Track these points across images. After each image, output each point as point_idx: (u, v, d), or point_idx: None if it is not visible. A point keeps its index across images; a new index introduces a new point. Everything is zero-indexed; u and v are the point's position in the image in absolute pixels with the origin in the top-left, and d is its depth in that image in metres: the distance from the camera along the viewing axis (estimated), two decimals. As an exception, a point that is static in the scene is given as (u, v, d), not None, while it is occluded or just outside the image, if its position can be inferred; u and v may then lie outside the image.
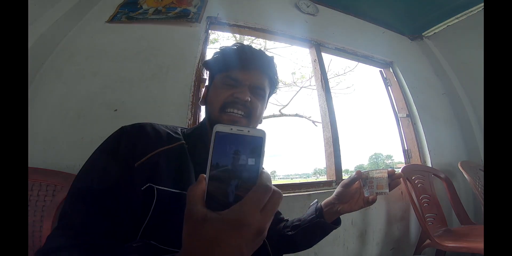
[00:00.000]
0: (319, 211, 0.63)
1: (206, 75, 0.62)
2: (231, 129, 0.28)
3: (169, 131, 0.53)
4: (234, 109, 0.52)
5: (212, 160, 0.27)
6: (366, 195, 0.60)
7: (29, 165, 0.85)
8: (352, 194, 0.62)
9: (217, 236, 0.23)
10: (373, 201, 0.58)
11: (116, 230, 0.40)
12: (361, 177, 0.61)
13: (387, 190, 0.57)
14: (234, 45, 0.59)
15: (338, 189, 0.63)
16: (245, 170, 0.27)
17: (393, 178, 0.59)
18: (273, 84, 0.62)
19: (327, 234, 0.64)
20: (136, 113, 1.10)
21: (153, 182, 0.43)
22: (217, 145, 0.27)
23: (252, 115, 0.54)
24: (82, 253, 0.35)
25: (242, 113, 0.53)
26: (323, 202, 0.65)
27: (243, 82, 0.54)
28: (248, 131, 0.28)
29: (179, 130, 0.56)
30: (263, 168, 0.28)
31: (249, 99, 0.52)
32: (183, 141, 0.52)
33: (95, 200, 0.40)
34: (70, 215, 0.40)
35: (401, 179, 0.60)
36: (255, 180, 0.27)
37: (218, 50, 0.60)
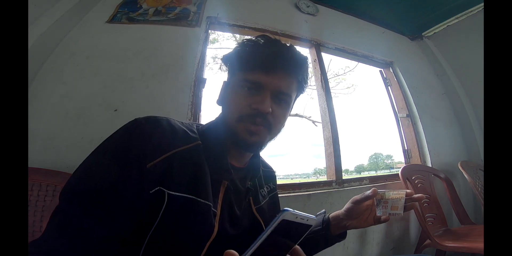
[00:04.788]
0: (327, 224, 0.61)
1: (224, 69, 0.54)
2: (296, 217, 0.29)
3: (185, 129, 0.47)
4: (251, 123, 0.46)
5: (265, 239, 0.28)
6: (378, 214, 0.56)
7: (29, 165, 0.85)
8: (362, 211, 0.58)
9: None
10: (385, 221, 0.54)
11: (115, 236, 0.37)
12: (376, 197, 0.57)
13: (402, 212, 0.53)
14: (261, 37, 0.50)
15: (348, 205, 0.59)
16: (284, 248, 0.32)
17: (412, 200, 0.54)
18: (301, 87, 0.54)
19: (330, 246, 0.63)
20: (136, 113, 1.08)
21: (164, 186, 0.40)
22: (276, 229, 0.28)
23: (273, 127, 0.49)
24: None
25: (262, 125, 0.47)
26: (331, 215, 0.62)
27: (265, 86, 0.47)
28: (307, 220, 0.30)
29: (195, 127, 0.51)
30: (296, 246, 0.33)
31: (271, 111, 0.46)
32: (199, 141, 0.47)
33: (94, 201, 0.37)
34: (66, 215, 0.37)
35: (417, 203, 0.55)
36: None
37: (241, 42, 0.52)
